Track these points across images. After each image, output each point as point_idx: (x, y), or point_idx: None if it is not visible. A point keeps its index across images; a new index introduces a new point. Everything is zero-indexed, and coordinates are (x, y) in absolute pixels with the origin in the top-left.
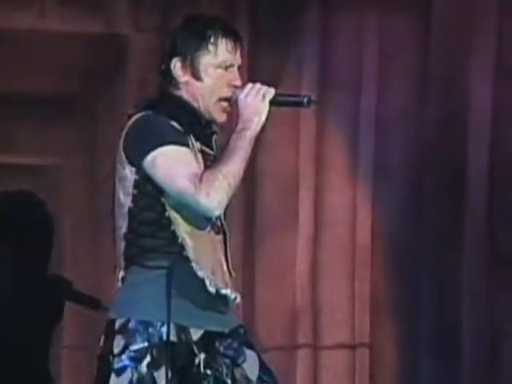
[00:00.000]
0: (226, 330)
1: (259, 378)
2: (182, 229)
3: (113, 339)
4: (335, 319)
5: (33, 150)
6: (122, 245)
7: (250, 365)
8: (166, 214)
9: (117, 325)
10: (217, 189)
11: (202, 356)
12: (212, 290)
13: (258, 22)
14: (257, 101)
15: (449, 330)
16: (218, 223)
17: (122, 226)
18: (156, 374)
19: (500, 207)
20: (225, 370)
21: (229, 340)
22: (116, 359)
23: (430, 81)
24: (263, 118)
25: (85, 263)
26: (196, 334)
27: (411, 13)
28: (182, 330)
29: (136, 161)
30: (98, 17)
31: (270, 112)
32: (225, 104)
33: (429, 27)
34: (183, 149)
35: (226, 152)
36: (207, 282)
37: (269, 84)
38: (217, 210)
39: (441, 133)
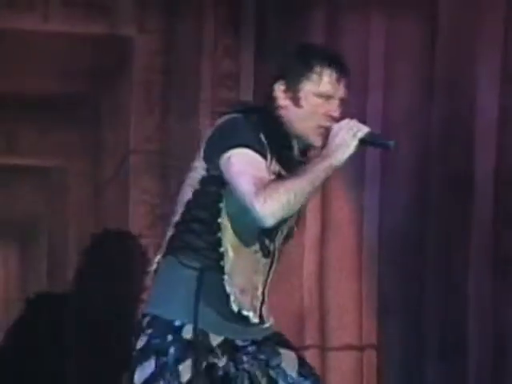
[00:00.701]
0: (250, 339)
1: (299, 373)
2: (228, 239)
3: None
4: (342, 320)
5: (36, 152)
6: (170, 231)
7: (288, 363)
8: (219, 220)
9: (144, 322)
10: (274, 199)
11: (225, 359)
12: (235, 308)
13: (264, 23)
14: (348, 136)
15: (454, 332)
16: (271, 248)
17: (177, 213)
18: (180, 368)
19: (506, 210)
20: (258, 372)
21: (254, 346)
22: (140, 353)
23: (436, 83)
24: (348, 153)
25: None
26: (216, 340)
27: (418, 14)
28: (202, 332)
29: (212, 157)
30: (102, 18)
31: (356, 150)
32: (322, 130)
33: (435, 29)
34: (259, 157)
35: (299, 170)
36: (231, 299)
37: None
38: (269, 220)
39: (447, 135)
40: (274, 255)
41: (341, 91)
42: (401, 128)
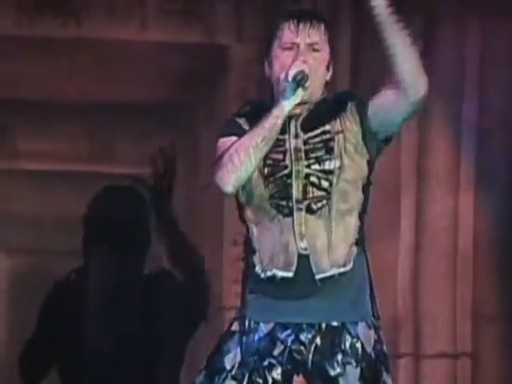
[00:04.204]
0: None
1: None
2: (249, 218)
3: None
4: (437, 328)
5: (133, 160)
6: None
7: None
8: (241, 200)
9: None
10: (221, 167)
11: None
12: (265, 274)
13: (361, 19)
14: (282, 79)
15: None
16: (290, 204)
17: None
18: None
19: None
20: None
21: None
22: None
23: None
24: (286, 96)
25: None
26: (267, 327)
27: None
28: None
29: None
30: (199, 27)
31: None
32: None
33: None
34: (233, 137)
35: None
36: (257, 268)
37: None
38: (225, 187)
39: None
40: (293, 210)
41: (305, 36)
42: (496, 133)
